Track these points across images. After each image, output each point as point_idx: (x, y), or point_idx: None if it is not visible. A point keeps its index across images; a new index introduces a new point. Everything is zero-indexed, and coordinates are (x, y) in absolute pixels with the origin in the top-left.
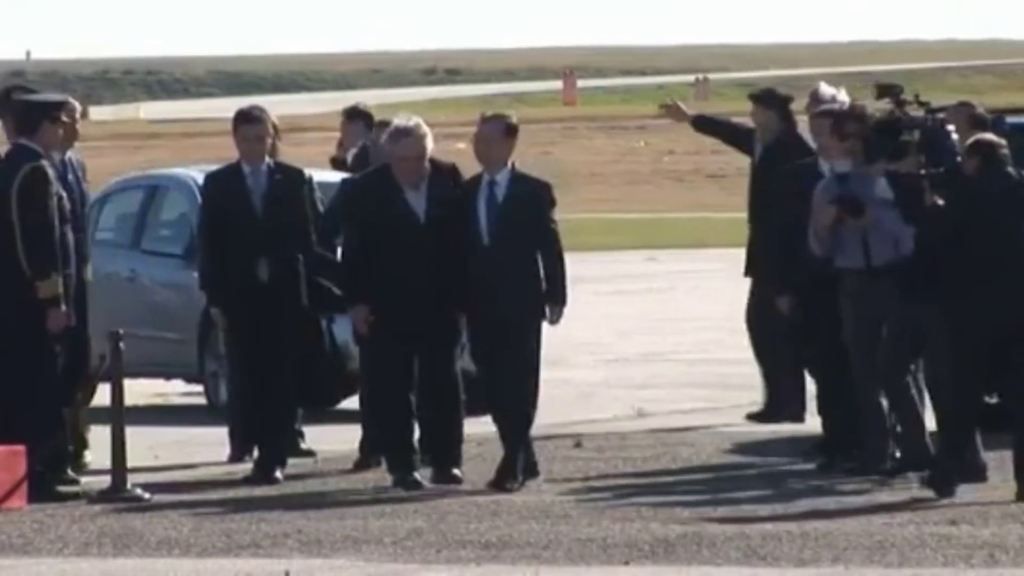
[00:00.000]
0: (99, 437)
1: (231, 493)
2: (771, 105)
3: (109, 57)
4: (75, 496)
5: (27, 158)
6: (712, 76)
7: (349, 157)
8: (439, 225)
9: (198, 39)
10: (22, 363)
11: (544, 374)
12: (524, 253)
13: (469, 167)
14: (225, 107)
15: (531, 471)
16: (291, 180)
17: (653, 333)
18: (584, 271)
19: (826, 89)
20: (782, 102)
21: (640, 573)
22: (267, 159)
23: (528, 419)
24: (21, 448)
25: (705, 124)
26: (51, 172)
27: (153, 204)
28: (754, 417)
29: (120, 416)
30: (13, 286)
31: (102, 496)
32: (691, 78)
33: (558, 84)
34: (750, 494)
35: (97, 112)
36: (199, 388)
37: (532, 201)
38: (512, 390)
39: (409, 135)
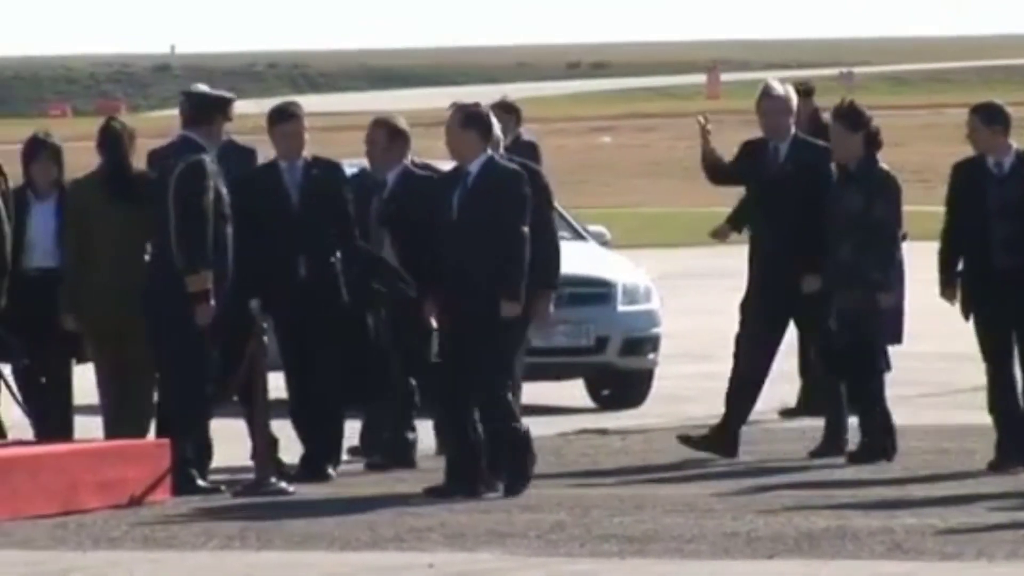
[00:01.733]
0: (237, 432)
1: (374, 487)
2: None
3: (254, 51)
4: (218, 490)
5: (190, 151)
6: (856, 70)
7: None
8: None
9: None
10: (171, 355)
11: (692, 368)
12: (491, 245)
13: (610, 161)
14: (369, 101)
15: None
16: (329, 175)
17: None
18: (727, 265)
19: (776, 85)
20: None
21: (784, 567)
22: (304, 154)
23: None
24: (165, 441)
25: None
26: (211, 167)
27: None
28: (786, 413)
29: (264, 410)
30: (167, 278)
31: (246, 490)
32: (835, 71)
33: (702, 78)
34: (894, 488)
35: (242, 106)
36: None
37: (501, 192)
38: (481, 392)
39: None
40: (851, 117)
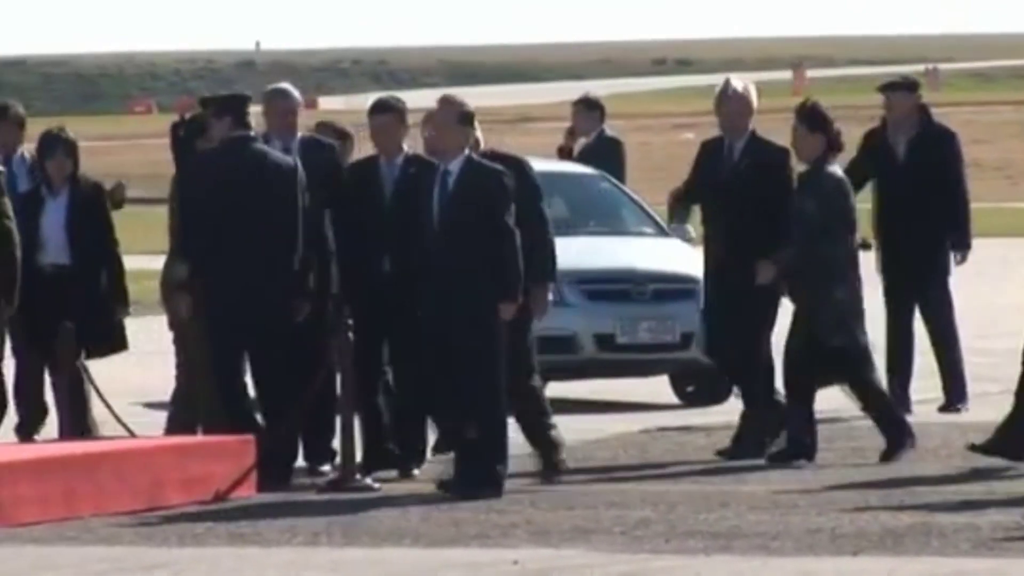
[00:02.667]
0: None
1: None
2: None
3: (339, 47)
4: (305, 486)
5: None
6: (941, 66)
7: (576, 146)
8: None
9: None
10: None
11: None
12: (475, 247)
13: (693, 158)
14: None
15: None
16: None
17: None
18: None
19: (737, 84)
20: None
21: (869, 564)
22: (405, 149)
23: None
24: (250, 437)
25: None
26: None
27: None
28: (943, 409)
29: (350, 407)
30: (289, 276)
31: (332, 486)
32: (920, 68)
33: (788, 75)
34: (979, 485)
35: (327, 102)
36: None
37: (484, 192)
38: (466, 395)
39: None
40: (812, 118)
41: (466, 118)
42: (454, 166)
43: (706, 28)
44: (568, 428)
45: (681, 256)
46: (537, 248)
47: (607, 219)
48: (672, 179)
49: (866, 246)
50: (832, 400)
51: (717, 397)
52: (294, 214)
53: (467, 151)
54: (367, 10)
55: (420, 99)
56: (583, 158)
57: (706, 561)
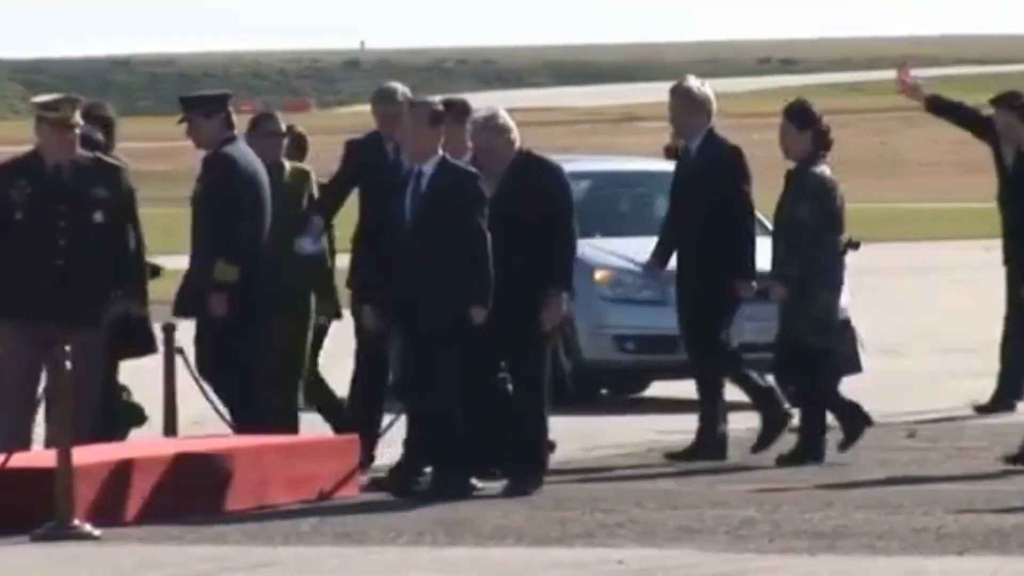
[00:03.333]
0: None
1: (564, 482)
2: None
3: (444, 46)
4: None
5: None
6: None
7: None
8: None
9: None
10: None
11: (879, 363)
12: (447, 250)
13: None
14: (554, 97)
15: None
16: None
17: (995, 323)
18: (921, 260)
19: (693, 84)
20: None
21: (974, 563)
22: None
23: (442, 430)
24: (355, 437)
25: (941, 106)
26: None
27: None
28: (981, 409)
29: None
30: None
31: (376, 484)
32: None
33: (892, 74)
34: None
35: None
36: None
37: (456, 194)
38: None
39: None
40: (799, 117)
41: (436, 118)
42: (428, 167)
43: (810, 27)
44: (672, 428)
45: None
46: (556, 257)
47: None
48: (769, 179)
49: (854, 245)
50: (943, 399)
51: None
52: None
53: (440, 152)
54: (473, 9)
55: (525, 99)
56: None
57: (811, 561)
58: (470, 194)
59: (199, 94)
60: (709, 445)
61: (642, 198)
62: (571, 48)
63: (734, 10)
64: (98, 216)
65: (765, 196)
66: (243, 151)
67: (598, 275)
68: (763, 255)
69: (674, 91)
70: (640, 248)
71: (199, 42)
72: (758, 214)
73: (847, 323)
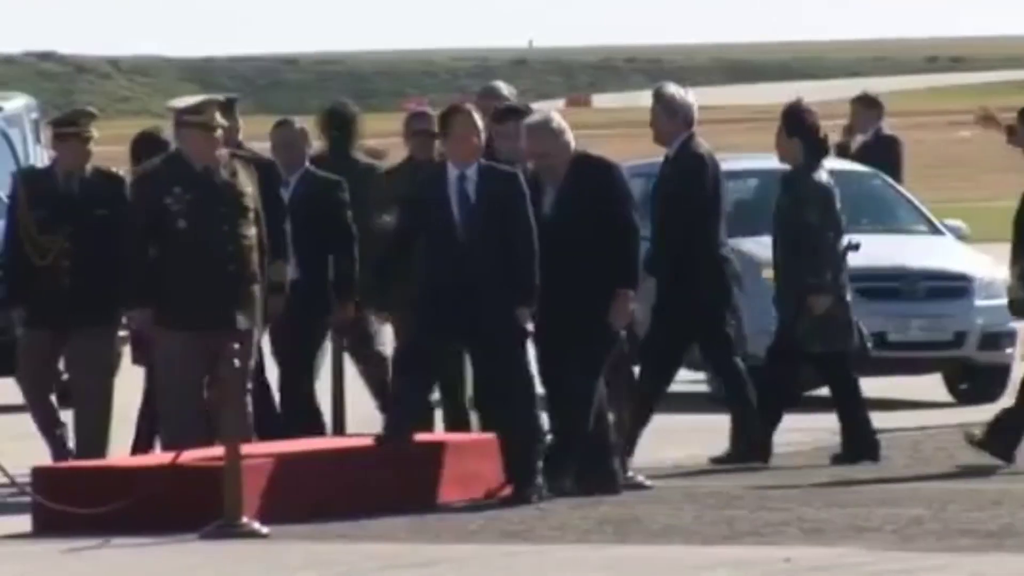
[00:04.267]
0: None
1: (732, 480)
2: None
3: (612, 45)
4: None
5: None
6: None
7: (854, 144)
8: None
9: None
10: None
11: None
12: (500, 252)
13: (969, 156)
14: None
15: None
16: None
17: None
18: None
19: (673, 90)
20: None
21: None
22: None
23: (531, 432)
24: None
25: None
26: None
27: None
28: None
29: (625, 407)
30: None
31: (600, 484)
32: None
33: None
34: None
35: (600, 100)
36: (702, 376)
37: (505, 194)
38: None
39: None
40: (789, 122)
41: (483, 121)
42: (471, 171)
43: (979, 26)
44: (838, 427)
45: (954, 254)
46: (620, 255)
47: (879, 217)
48: (944, 177)
49: (854, 247)
50: None
51: (991, 395)
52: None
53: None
54: (641, 7)
55: (699, 98)
56: (860, 156)
57: (979, 560)
58: (516, 195)
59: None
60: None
61: None
62: (738, 46)
63: (902, 8)
64: (251, 215)
65: (980, 192)
66: None
67: (766, 272)
68: None
69: (656, 96)
70: None
71: (369, 41)
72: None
73: (852, 323)
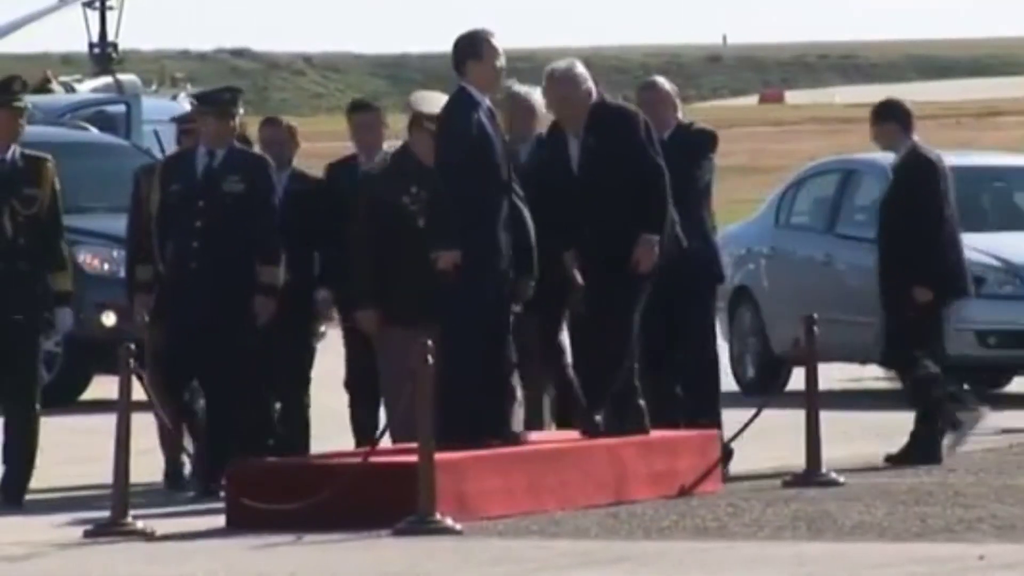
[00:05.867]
0: (792, 421)
1: (927, 477)
2: None
3: (806, 41)
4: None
5: None
6: None
7: None
8: None
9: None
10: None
11: None
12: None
13: None
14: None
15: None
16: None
17: None
18: None
19: (660, 79)
20: None
21: None
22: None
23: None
24: (714, 432)
25: None
26: None
27: (847, 189)
28: None
29: (814, 400)
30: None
31: (796, 479)
32: None
33: None
34: None
35: (793, 96)
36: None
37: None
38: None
39: None
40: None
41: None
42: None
43: None
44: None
45: None
46: (645, 200)
47: None
48: None
49: None
50: None
51: None
52: None
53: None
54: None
55: (888, 94)
56: None
57: None
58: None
59: (215, 90)
60: None
61: (1004, 193)
62: (931, 43)
63: None
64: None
65: None
66: None
67: None
68: None
69: (646, 87)
70: (1003, 243)
71: (560, 37)
72: None
73: None
